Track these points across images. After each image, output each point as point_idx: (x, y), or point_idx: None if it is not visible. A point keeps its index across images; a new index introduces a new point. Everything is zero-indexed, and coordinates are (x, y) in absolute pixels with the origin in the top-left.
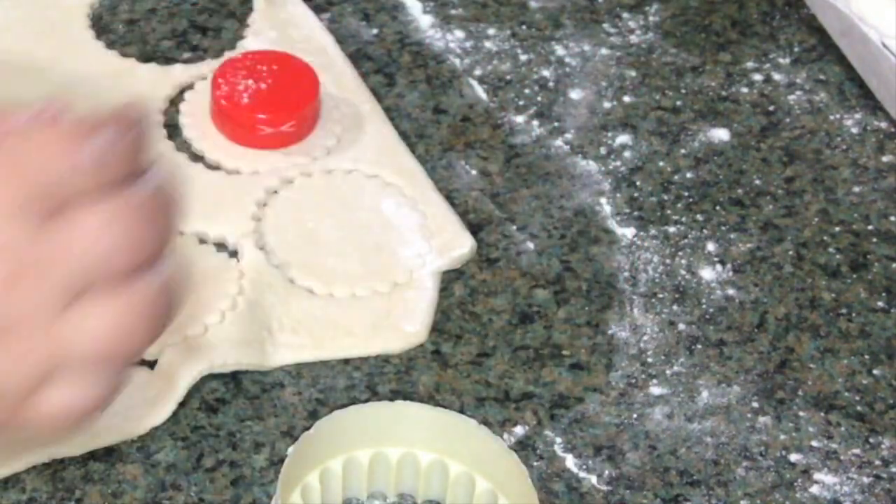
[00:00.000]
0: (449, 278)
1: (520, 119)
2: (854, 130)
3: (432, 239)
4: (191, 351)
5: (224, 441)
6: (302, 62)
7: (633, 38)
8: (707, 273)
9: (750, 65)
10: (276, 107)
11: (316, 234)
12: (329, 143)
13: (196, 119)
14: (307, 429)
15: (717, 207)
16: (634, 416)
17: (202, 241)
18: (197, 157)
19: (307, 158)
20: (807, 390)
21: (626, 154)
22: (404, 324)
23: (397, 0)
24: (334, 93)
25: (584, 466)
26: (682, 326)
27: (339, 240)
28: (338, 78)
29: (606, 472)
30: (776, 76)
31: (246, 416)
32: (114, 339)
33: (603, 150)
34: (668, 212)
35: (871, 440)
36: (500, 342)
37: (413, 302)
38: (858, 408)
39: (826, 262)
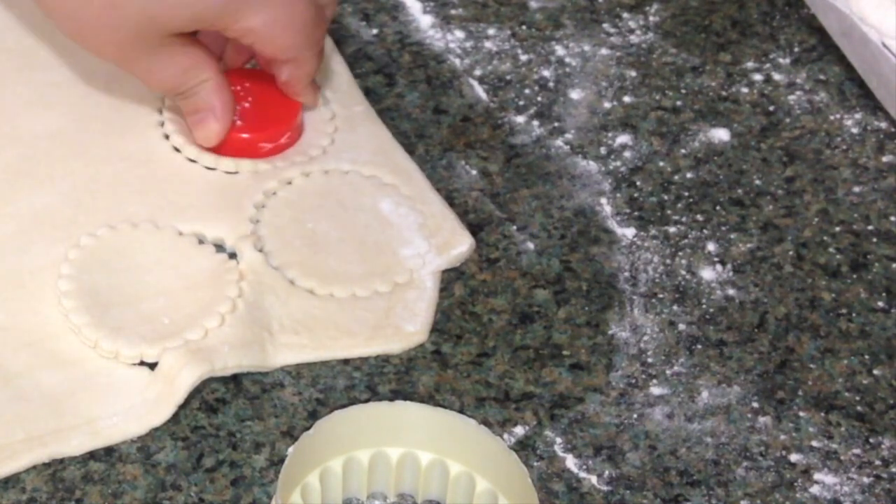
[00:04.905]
0: (449, 278)
1: (520, 119)
2: (854, 130)
3: (431, 238)
4: (191, 355)
5: (224, 441)
6: (269, 73)
7: (633, 38)
8: (707, 273)
9: (750, 65)
10: (269, 122)
11: (315, 235)
12: (323, 143)
13: (184, 126)
14: (307, 429)
15: (717, 207)
16: (634, 416)
17: (201, 241)
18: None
19: (304, 158)
20: (807, 390)
21: (626, 154)
22: (404, 324)
23: (397, 0)
24: (327, 94)
25: (584, 466)
26: (682, 326)
27: (338, 240)
28: (332, 79)
29: (606, 472)
30: (776, 76)
31: (246, 416)
32: None
33: (603, 150)
34: (668, 212)
35: (871, 440)
36: (500, 342)
37: (413, 302)
38: (858, 408)
39: (826, 262)
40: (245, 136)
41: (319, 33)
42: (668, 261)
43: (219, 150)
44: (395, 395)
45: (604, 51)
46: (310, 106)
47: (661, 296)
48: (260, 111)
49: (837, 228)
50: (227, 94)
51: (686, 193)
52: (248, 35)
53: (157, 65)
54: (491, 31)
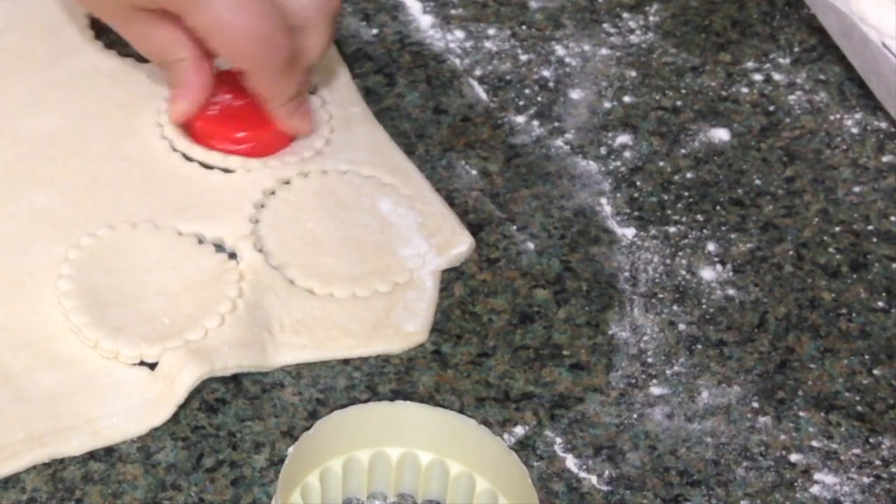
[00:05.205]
0: (449, 278)
1: (520, 119)
2: (854, 130)
3: (431, 238)
4: (191, 355)
5: (224, 441)
6: None
7: (633, 38)
8: (707, 273)
9: (750, 65)
10: (238, 126)
11: (315, 235)
12: (317, 145)
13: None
14: (307, 429)
15: (717, 207)
16: (634, 416)
17: (200, 241)
18: (191, 157)
19: (296, 158)
20: (807, 390)
21: (626, 154)
22: (404, 324)
23: (397, 0)
24: (325, 96)
25: (584, 466)
26: (682, 326)
27: (338, 240)
28: (330, 81)
29: (606, 472)
30: (776, 76)
31: (246, 416)
32: None
33: (603, 150)
34: (668, 212)
35: (871, 440)
36: (500, 342)
37: (413, 302)
38: (858, 408)
39: (826, 262)
40: (208, 126)
41: (279, 52)
42: (668, 261)
43: (186, 130)
44: (395, 395)
45: (604, 51)
46: (298, 133)
47: (661, 296)
48: (241, 112)
49: (837, 228)
50: (205, 78)
51: (686, 193)
52: (198, 29)
53: (133, 34)
54: (491, 31)
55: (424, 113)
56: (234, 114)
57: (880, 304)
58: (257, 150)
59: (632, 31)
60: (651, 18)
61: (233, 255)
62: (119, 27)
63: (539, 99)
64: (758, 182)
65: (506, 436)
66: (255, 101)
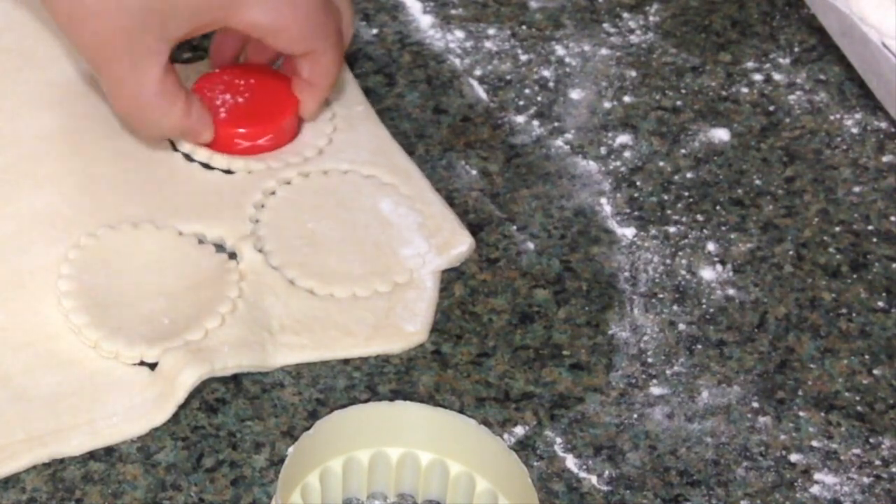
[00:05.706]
0: (449, 278)
1: (520, 119)
2: (854, 130)
3: (431, 238)
4: (191, 355)
5: (224, 441)
6: (281, 74)
7: (633, 38)
8: (707, 273)
9: (750, 65)
10: (253, 121)
11: (315, 235)
12: (320, 144)
13: None
14: (307, 429)
15: (717, 207)
16: (634, 416)
17: (201, 241)
18: (192, 157)
19: (299, 158)
20: (807, 390)
21: (626, 154)
22: (404, 324)
23: (397, 0)
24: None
25: (584, 466)
26: (682, 326)
27: (338, 240)
28: None
29: (606, 472)
30: (776, 76)
31: (246, 416)
32: None
33: (603, 150)
34: (668, 212)
35: (871, 440)
36: (500, 342)
37: (413, 302)
38: (858, 408)
39: (826, 262)
40: (223, 129)
41: (331, 23)
42: (668, 261)
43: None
44: (395, 395)
45: (604, 51)
46: (306, 116)
47: (661, 296)
48: (249, 109)
49: (837, 228)
50: (202, 108)
51: (686, 193)
52: (254, 29)
53: (133, 73)
54: (491, 31)
55: (424, 113)
56: (244, 111)
57: (880, 304)
58: (276, 141)
59: (632, 31)
60: (651, 18)
61: (233, 255)
62: (119, 62)
63: (539, 99)
64: (758, 182)
65: (506, 436)
66: (254, 94)
